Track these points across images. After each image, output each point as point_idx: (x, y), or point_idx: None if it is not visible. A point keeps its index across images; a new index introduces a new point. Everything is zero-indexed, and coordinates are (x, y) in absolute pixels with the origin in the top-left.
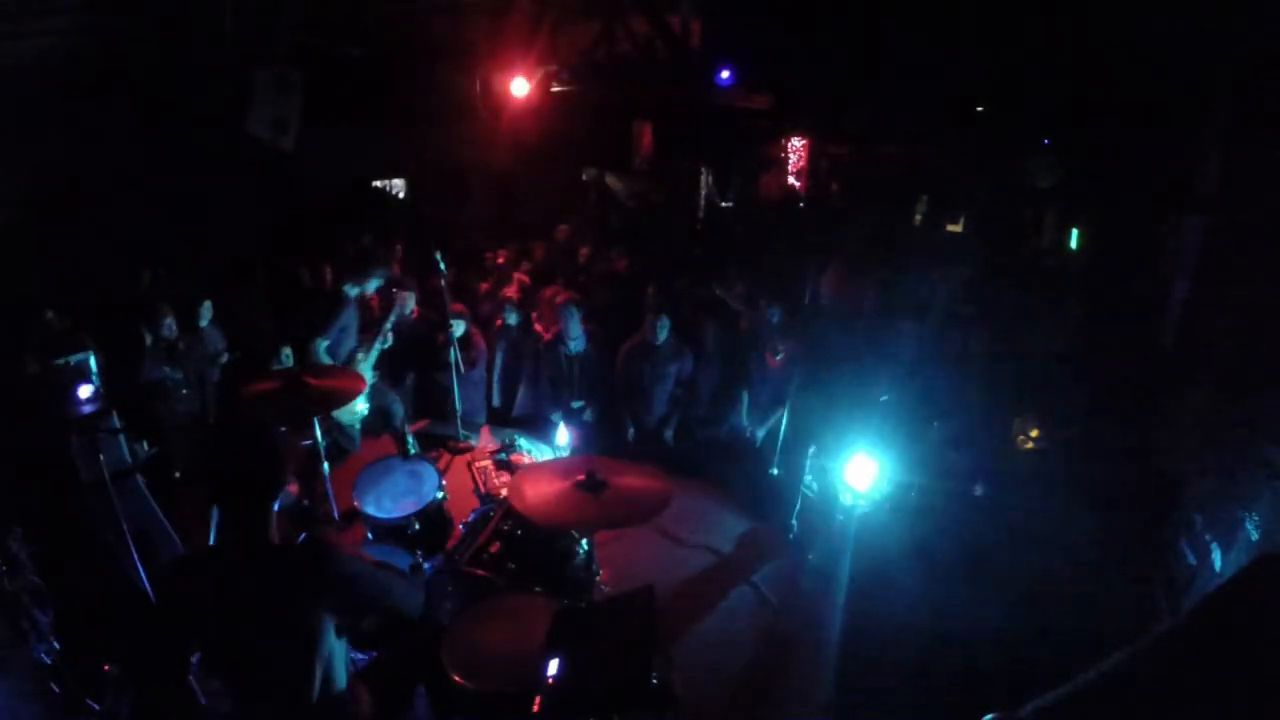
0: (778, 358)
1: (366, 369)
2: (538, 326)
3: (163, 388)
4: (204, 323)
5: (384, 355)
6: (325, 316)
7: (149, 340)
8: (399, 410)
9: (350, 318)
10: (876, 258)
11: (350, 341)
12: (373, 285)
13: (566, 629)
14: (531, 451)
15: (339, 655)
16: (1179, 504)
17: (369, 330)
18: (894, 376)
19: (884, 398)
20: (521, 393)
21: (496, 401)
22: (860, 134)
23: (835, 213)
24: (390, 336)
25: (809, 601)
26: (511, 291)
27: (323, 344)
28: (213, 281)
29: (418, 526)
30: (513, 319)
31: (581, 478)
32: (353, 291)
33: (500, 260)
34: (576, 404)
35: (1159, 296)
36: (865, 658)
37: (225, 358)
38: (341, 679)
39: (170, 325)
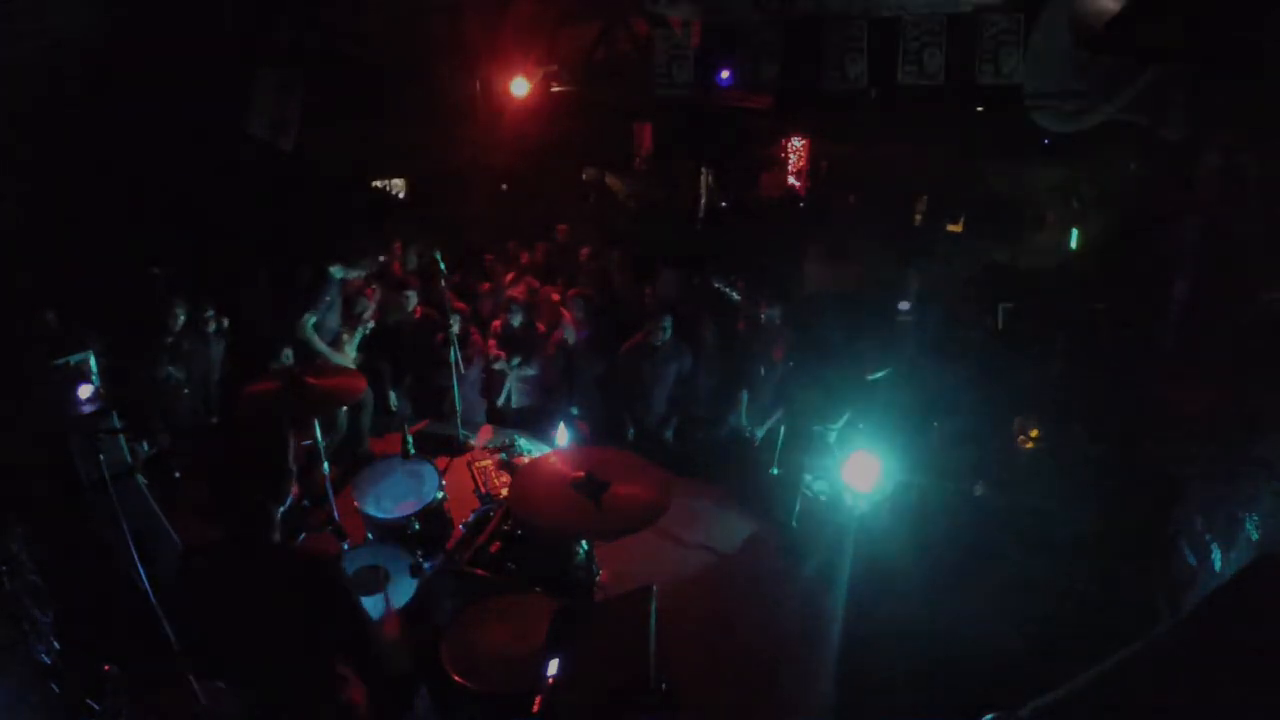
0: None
1: (351, 349)
2: (540, 325)
3: (165, 387)
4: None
5: (382, 352)
6: (311, 294)
7: (159, 337)
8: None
9: (335, 296)
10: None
11: (335, 319)
12: (354, 273)
13: (566, 629)
14: (531, 452)
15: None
16: (1179, 504)
17: (354, 318)
18: (893, 369)
19: (876, 375)
20: (528, 388)
21: (500, 401)
22: (860, 134)
23: (836, 215)
24: (372, 322)
25: (809, 601)
26: (518, 292)
27: (310, 320)
28: (214, 282)
29: (418, 526)
30: (516, 319)
31: (581, 475)
32: (338, 274)
33: (524, 259)
34: (575, 410)
35: (1159, 297)
36: (865, 657)
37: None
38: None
39: (181, 322)
